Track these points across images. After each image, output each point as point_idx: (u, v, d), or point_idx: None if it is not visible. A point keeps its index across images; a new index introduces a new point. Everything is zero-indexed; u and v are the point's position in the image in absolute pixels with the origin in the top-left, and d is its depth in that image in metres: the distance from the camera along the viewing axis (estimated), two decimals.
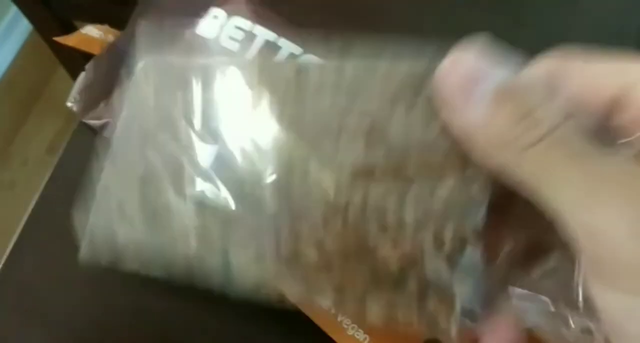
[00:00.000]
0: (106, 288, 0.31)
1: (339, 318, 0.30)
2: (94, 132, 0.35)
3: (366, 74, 0.23)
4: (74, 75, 0.37)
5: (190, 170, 0.26)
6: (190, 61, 0.28)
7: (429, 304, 0.21)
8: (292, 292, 0.23)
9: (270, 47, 0.35)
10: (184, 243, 0.26)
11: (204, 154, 0.26)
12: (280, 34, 0.36)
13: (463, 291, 0.21)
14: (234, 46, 0.36)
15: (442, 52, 0.20)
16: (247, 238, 0.24)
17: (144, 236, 0.27)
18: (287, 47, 0.35)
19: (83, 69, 0.36)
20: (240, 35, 0.36)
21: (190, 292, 0.26)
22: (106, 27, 0.37)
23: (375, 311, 0.22)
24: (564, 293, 0.19)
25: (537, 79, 0.20)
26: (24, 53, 1.20)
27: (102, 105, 0.35)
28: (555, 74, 0.20)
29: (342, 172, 0.22)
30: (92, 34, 0.37)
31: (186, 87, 0.27)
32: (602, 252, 0.16)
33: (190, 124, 0.27)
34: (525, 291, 0.21)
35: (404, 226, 0.21)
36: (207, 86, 0.27)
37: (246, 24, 0.36)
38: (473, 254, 0.21)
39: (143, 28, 0.31)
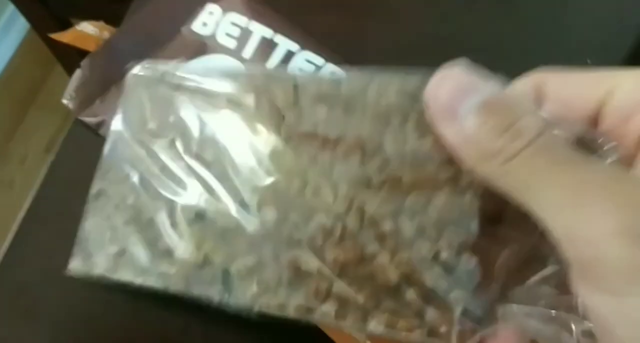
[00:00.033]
0: (104, 288, 0.31)
1: None
2: (91, 129, 0.35)
3: (361, 88, 0.23)
4: (72, 73, 0.36)
5: (188, 182, 0.26)
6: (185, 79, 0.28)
7: (428, 312, 0.22)
8: (292, 302, 0.24)
9: (266, 44, 0.35)
10: (182, 253, 0.26)
11: (201, 164, 0.26)
12: (277, 30, 0.35)
13: (461, 299, 0.21)
14: (231, 43, 0.35)
15: (433, 70, 0.21)
16: (246, 249, 0.25)
17: (139, 247, 0.27)
18: (284, 43, 0.35)
19: (79, 66, 0.36)
20: (236, 31, 0.36)
21: None
22: (101, 23, 0.37)
23: (375, 320, 0.22)
24: (563, 299, 0.19)
25: (522, 93, 0.21)
26: (22, 51, 1.20)
27: (97, 102, 0.35)
28: (540, 88, 0.21)
29: (340, 184, 0.23)
30: (87, 31, 0.36)
31: (180, 105, 0.28)
32: (587, 255, 0.17)
33: (186, 137, 0.27)
34: (524, 298, 0.21)
35: (401, 236, 0.22)
36: (202, 98, 0.27)
37: (242, 20, 0.36)
38: (469, 262, 0.21)
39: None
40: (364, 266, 0.23)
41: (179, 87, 0.28)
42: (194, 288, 0.25)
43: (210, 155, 0.26)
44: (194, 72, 0.28)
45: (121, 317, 0.31)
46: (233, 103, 0.26)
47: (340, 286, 0.23)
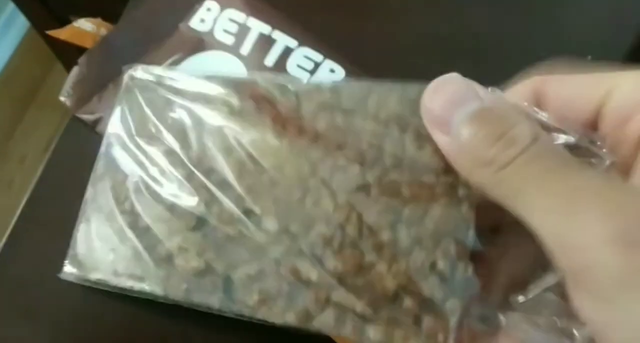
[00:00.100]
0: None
1: None
2: (88, 126, 0.35)
3: (361, 98, 0.24)
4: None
5: (187, 188, 0.26)
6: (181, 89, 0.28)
7: (425, 321, 0.22)
8: (293, 310, 0.24)
9: (264, 41, 0.35)
10: (182, 260, 0.26)
11: (200, 171, 0.26)
12: (275, 26, 0.35)
13: (456, 308, 0.22)
14: (229, 40, 0.35)
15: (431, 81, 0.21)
16: (248, 258, 0.25)
17: (137, 253, 0.27)
18: (282, 39, 0.35)
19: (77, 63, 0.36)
20: (234, 28, 0.36)
21: None
22: (99, 20, 0.37)
23: (373, 329, 0.23)
24: (568, 306, 0.19)
25: (522, 95, 0.21)
26: (22, 50, 1.20)
27: (95, 99, 0.35)
28: (540, 89, 0.21)
29: (340, 193, 0.23)
30: (85, 28, 0.36)
31: (178, 110, 0.27)
32: (579, 263, 0.17)
33: (184, 143, 0.27)
34: (528, 307, 0.21)
35: (399, 245, 0.22)
36: (201, 103, 0.27)
37: (240, 16, 0.36)
38: (465, 272, 0.22)
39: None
40: (362, 275, 0.23)
41: (178, 92, 0.28)
42: (194, 296, 0.26)
43: (210, 162, 0.26)
44: (192, 75, 0.28)
45: (121, 317, 0.31)
46: (233, 109, 0.26)
47: (340, 294, 0.23)
